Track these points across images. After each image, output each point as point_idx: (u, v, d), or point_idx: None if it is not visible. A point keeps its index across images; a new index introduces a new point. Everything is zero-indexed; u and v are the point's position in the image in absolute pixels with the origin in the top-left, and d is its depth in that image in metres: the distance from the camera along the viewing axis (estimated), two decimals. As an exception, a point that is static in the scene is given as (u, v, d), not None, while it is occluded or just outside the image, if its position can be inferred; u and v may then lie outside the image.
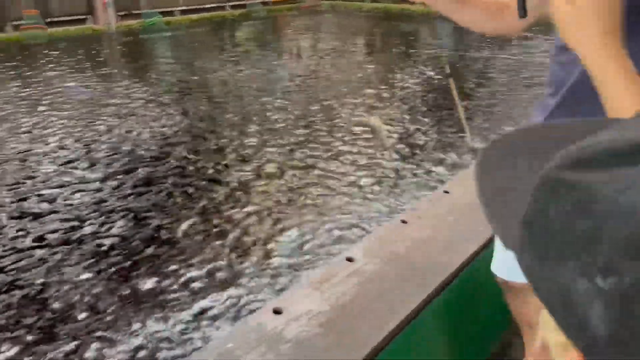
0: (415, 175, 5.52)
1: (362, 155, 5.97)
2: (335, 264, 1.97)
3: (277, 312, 1.67)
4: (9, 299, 3.57)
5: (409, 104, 7.82)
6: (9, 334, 3.27)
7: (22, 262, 4.00)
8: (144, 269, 4.00)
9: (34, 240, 4.37)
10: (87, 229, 4.51)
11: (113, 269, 3.95)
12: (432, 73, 9.32)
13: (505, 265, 1.55)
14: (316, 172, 5.70)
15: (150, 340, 3.25)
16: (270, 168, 5.51)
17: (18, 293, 3.62)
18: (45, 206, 4.91)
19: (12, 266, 3.94)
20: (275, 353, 1.50)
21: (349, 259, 1.99)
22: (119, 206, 4.88)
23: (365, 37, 14.33)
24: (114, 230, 4.50)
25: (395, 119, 7.13)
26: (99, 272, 3.94)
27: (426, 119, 7.24)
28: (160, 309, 3.53)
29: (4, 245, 4.28)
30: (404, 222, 2.27)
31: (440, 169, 5.68)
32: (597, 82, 0.87)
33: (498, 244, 1.57)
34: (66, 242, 4.31)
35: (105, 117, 7.39)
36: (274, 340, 1.55)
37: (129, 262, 4.06)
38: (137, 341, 3.25)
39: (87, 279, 3.86)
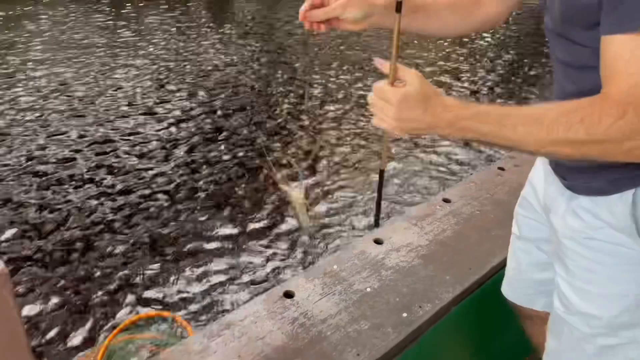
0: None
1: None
2: (432, 204, 2.00)
3: (377, 242, 1.74)
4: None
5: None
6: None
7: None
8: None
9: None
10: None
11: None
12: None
13: (518, 294, 1.45)
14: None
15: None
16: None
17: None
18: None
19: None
20: (378, 278, 1.58)
21: (446, 200, 2.01)
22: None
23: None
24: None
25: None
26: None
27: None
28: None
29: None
30: (501, 169, 2.24)
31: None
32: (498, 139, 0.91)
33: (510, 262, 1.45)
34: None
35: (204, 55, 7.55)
36: (376, 266, 1.63)
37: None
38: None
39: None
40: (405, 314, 1.44)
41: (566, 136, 0.85)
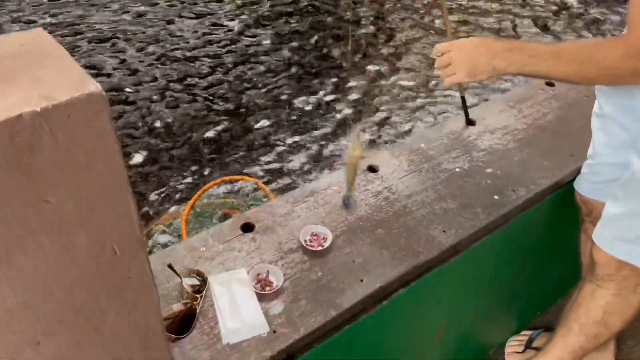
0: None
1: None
2: (533, 87, 1.82)
3: (470, 123, 1.63)
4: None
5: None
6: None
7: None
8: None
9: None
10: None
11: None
12: None
13: (586, 182, 1.41)
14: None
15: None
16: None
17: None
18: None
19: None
20: (468, 159, 1.48)
21: (549, 84, 1.82)
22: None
23: None
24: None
25: None
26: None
27: None
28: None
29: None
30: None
31: None
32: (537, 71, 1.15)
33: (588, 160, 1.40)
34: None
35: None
36: (467, 147, 1.53)
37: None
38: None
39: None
40: (496, 197, 1.36)
41: (578, 69, 1.08)
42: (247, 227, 1.25)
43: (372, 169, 1.44)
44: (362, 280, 1.14)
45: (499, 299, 1.65)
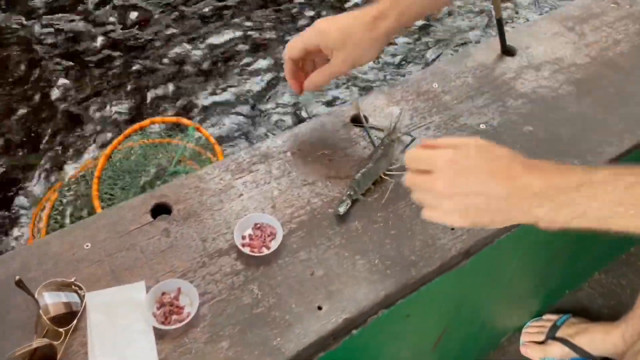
0: None
1: None
2: (599, 2, 1.29)
3: (508, 52, 1.14)
4: None
5: None
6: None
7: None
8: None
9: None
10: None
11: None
12: None
13: None
14: None
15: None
16: None
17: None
18: None
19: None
20: (500, 109, 1.02)
21: (617, 2, 1.30)
22: None
23: None
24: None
25: None
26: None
27: None
28: None
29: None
30: None
31: None
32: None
33: None
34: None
35: None
36: (500, 91, 1.06)
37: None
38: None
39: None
40: (536, 172, 0.92)
41: None
42: (161, 210, 0.85)
43: (357, 121, 1.00)
44: (320, 308, 0.75)
45: (521, 290, 1.27)
